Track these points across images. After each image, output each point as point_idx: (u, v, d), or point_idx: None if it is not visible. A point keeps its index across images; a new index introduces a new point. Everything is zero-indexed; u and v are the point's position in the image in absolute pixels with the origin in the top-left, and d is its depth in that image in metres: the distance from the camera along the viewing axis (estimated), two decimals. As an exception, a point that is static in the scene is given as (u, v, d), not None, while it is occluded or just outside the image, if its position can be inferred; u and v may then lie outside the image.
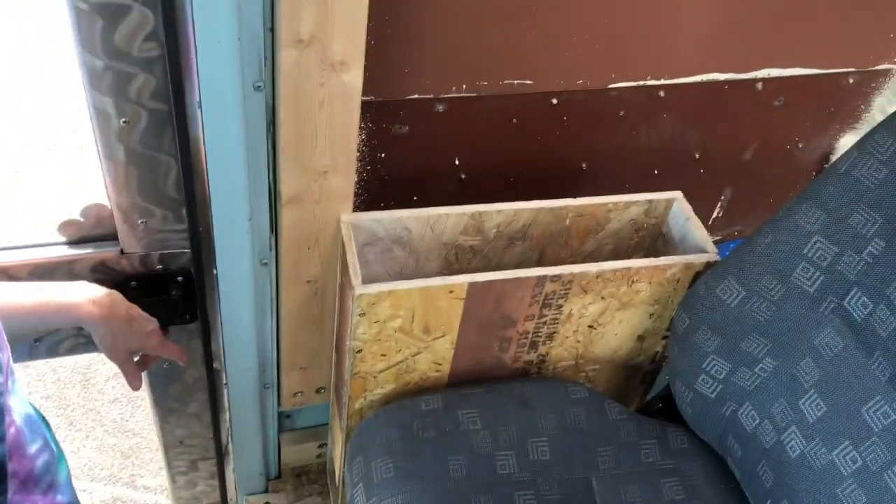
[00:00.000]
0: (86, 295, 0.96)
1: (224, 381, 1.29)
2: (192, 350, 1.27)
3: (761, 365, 1.02)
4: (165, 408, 1.37)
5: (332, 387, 1.32)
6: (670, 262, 1.12)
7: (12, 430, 0.57)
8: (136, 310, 1.04)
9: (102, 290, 0.98)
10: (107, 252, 1.09)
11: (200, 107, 0.92)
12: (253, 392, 1.30)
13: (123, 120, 0.94)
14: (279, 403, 1.36)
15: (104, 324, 0.97)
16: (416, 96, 1.13)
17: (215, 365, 1.30)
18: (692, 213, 1.19)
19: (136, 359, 1.09)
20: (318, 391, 1.35)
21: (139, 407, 2.13)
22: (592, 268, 1.09)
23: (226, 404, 1.33)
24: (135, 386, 1.08)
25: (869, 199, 0.88)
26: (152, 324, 1.06)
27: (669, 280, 1.14)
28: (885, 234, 0.88)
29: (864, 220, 0.89)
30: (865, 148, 0.88)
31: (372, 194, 1.22)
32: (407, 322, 1.08)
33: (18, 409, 0.59)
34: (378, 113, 1.13)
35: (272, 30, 0.91)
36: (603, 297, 1.14)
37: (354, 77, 0.96)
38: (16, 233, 2.29)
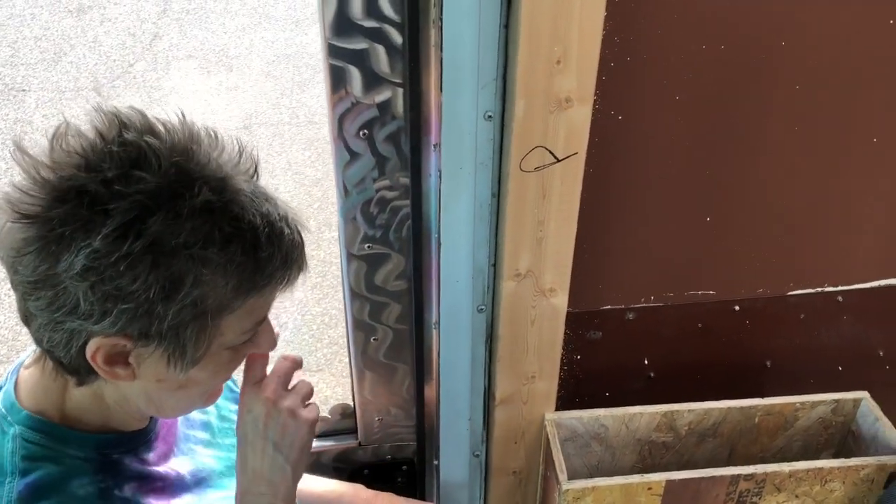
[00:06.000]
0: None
1: (435, 561, 1.42)
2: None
3: (970, 573, 1.03)
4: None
5: (533, 572, 1.41)
6: (863, 462, 1.17)
7: None
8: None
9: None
10: (348, 444, 1.29)
11: (437, 327, 1.13)
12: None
13: (374, 338, 1.16)
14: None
15: None
16: (608, 307, 1.29)
17: (428, 545, 1.43)
18: (881, 413, 1.24)
19: None
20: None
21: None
22: (785, 467, 1.16)
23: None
24: None
25: None
26: None
27: (864, 480, 1.18)
28: None
29: None
30: None
31: (568, 392, 1.36)
32: (608, 515, 1.18)
33: None
34: (575, 322, 1.29)
35: (494, 265, 1.11)
36: (797, 496, 1.19)
37: (561, 300, 1.14)
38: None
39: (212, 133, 0.71)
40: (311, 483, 1.11)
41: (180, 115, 0.70)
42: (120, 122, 0.67)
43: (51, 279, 0.65)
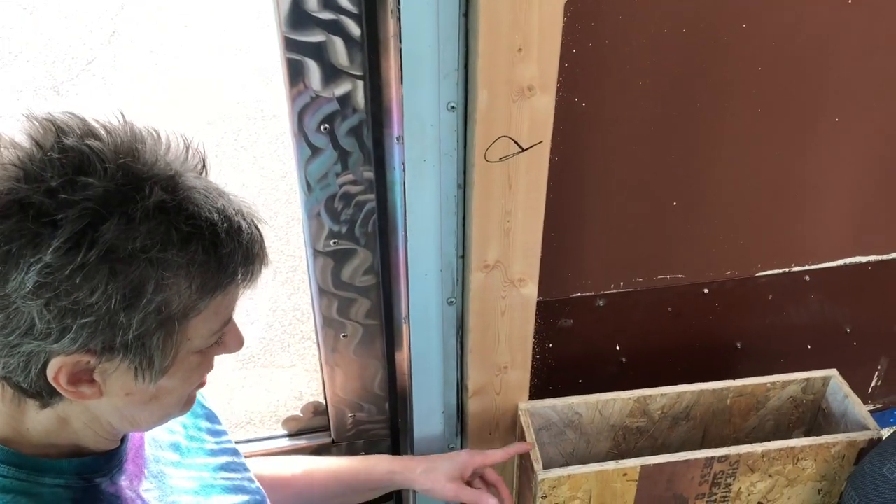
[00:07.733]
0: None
1: (414, 555, 1.41)
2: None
3: (940, 545, 1.05)
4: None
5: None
6: (833, 440, 1.18)
7: None
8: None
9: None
10: (321, 442, 1.27)
11: (406, 321, 1.11)
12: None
13: (343, 334, 1.15)
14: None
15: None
16: (578, 294, 1.29)
17: (406, 540, 1.43)
18: (850, 390, 1.25)
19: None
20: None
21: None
22: (758, 448, 1.17)
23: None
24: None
25: None
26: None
27: (835, 457, 1.19)
28: None
29: None
30: None
31: (541, 380, 1.36)
32: (584, 503, 1.18)
33: None
34: (546, 310, 1.29)
35: (463, 257, 1.10)
36: (770, 475, 1.20)
37: (531, 290, 1.13)
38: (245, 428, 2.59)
39: (154, 132, 0.68)
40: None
41: (120, 117, 0.66)
42: (57, 128, 0.63)
43: (1, 301, 0.62)
